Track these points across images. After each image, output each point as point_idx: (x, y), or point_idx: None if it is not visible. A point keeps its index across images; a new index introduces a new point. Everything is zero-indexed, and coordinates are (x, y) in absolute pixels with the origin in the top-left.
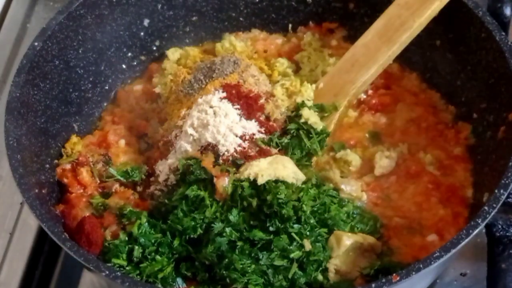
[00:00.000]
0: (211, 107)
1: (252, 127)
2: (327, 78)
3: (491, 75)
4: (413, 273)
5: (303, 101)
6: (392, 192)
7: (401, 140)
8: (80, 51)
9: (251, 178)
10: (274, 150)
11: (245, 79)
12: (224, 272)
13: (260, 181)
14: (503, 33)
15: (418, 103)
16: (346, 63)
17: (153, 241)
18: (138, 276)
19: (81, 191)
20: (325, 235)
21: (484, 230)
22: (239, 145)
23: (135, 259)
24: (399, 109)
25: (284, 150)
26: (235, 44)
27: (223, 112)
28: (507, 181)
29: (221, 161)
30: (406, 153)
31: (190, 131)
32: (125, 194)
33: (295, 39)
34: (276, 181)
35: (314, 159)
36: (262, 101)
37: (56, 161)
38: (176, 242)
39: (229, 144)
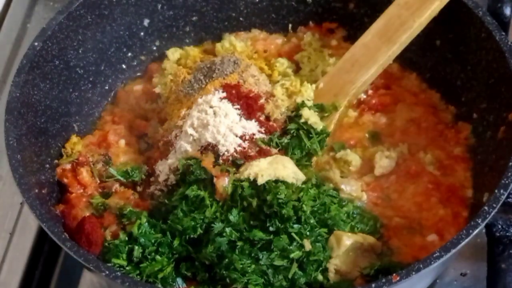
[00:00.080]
0: (211, 107)
1: (252, 127)
2: (327, 78)
3: (491, 75)
4: (413, 273)
5: (303, 101)
6: (392, 192)
7: (401, 140)
8: (80, 51)
9: (251, 178)
10: (274, 150)
11: (245, 79)
12: (224, 272)
13: (260, 181)
14: (503, 33)
15: (418, 103)
16: (346, 63)
17: (153, 241)
18: (138, 276)
19: (81, 191)
20: (325, 235)
21: (484, 230)
22: (239, 145)
23: (135, 259)
24: (399, 109)
25: (284, 150)
26: (235, 44)
27: (223, 112)
28: (507, 181)
29: (221, 161)
30: (406, 153)
31: (190, 131)
32: (125, 194)
33: (295, 39)
34: (276, 181)
35: (314, 159)
36: (262, 101)
37: (56, 161)
38: (176, 242)
39: (229, 144)
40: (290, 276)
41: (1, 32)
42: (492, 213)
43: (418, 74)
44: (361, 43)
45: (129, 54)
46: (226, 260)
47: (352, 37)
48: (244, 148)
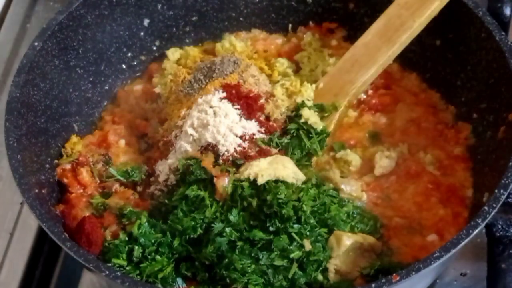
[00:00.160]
0: (211, 107)
1: (252, 127)
2: (327, 78)
3: (491, 75)
4: (413, 273)
5: (303, 101)
6: (392, 192)
7: (401, 140)
8: (80, 51)
9: (251, 178)
10: (274, 150)
11: (245, 79)
12: (224, 272)
13: (260, 181)
14: (503, 33)
15: (418, 103)
16: (346, 63)
17: (153, 241)
18: (138, 276)
19: (81, 191)
20: (325, 235)
21: (484, 230)
22: (239, 145)
23: (135, 259)
24: (399, 109)
25: (284, 150)
26: (235, 44)
27: (223, 112)
28: (507, 181)
29: (221, 161)
30: (406, 153)
31: (190, 131)
32: (125, 194)
33: (295, 39)
34: (276, 181)
35: (314, 159)
36: (262, 101)
37: (56, 161)
38: (176, 242)
39: (229, 144)
40: (290, 276)
41: (1, 32)
42: (492, 213)
43: (418, 74)
44: (361, 43)
45: (129, 54)
46: (226, 260)
47: (352, 37)
48: (244, 148)
